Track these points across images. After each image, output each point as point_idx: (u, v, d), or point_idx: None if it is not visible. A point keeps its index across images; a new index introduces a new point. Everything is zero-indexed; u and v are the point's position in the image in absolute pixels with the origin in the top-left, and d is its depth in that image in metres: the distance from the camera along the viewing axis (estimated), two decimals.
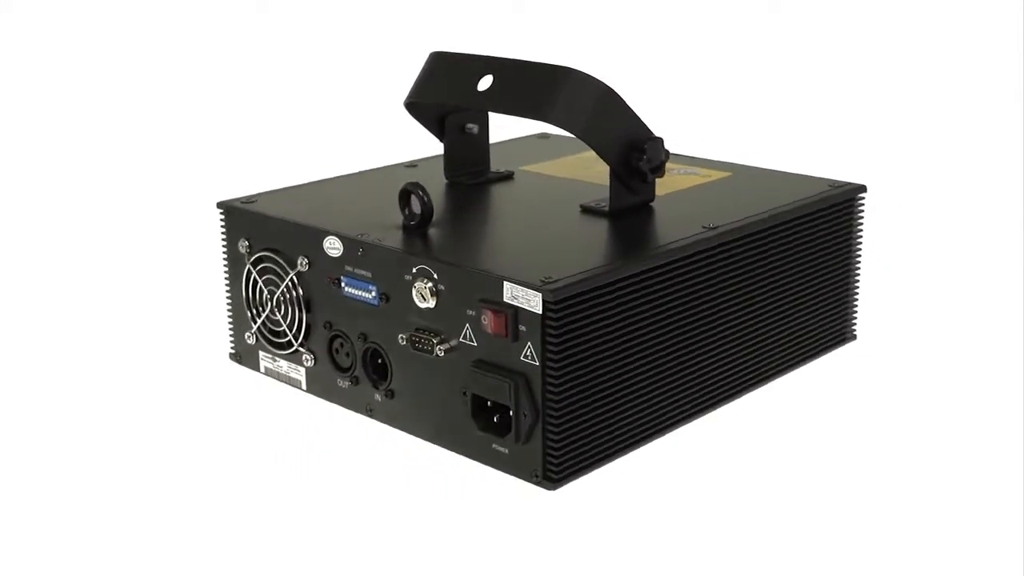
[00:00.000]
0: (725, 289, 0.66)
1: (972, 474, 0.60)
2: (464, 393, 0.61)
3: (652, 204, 0.69)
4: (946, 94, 1.13)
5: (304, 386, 0.70)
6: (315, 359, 0.68)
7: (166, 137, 1.17)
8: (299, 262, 0.67)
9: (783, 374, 0.71)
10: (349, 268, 0.65)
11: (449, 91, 0.70)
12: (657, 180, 0.69)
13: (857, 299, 0.75)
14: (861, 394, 0.69)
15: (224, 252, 0.72)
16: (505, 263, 0.59)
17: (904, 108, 1.14)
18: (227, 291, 0.73)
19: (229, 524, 0.57)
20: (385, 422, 0.66)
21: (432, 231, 0.65)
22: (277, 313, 0.69)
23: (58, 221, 1.02)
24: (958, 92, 1.13)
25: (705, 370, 0.65)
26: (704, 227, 0.65)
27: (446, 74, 0.70)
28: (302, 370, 0.69)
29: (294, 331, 0.69)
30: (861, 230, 0.74)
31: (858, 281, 0.75)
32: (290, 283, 0.68)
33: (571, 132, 0.65)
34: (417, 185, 0.65)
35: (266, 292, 0.70)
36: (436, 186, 0.74)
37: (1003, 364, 0.72)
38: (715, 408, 0.67)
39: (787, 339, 0.71)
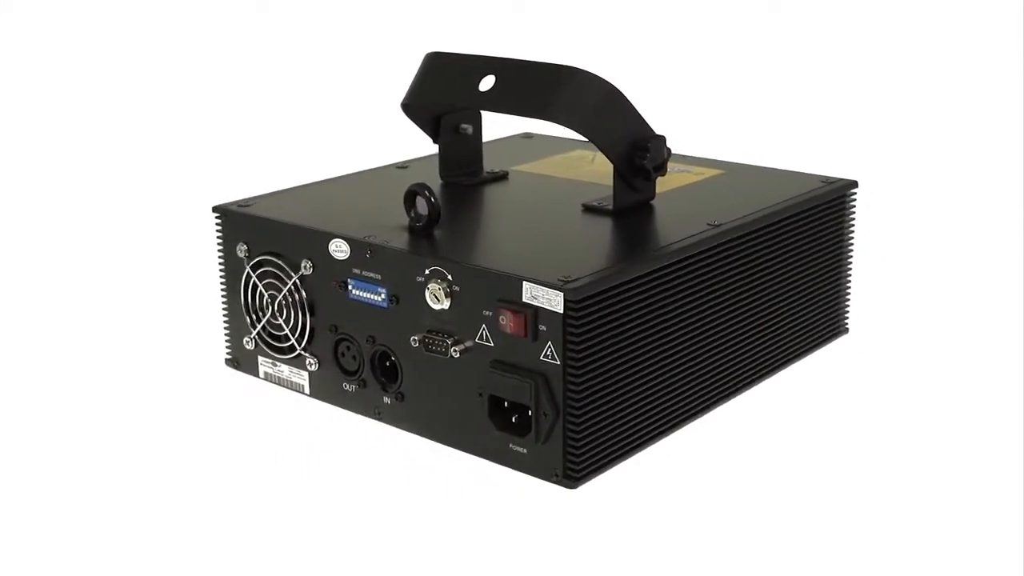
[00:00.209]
0: (729, 285, 0.66)
1: (968, 464, 0.61)
2: (480, 394, 0.60)
3: (652, 203, 0.70)
4: (934, 90, 1.15)
5: (307, 390, 0.69)
6: (319, 363, 0.68)
7: (154, 139, 1.17)
8: (303, 265, 0.67)
9: (783, 368, 0.72)
10: (357, 270, 0.64)
11: (449, 92, 0.70)
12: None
13: (849, 293, 0.77)
14: (859, 386, 0.70)
15: (220, 256, 0.71)
16: (521, 263, 0.59)
17: (891, 104, 1.15)
18: (223, 296, 0.72)
19: (243, 532, 0.57)
20: (395, 425, 0.65)
21: (437, 232, 0.65)
22: (279, 317, 0.69)
23: (48, 223, 1.01)
24: (946, 88, 1.15)
25: (713, 366, 0.66)
26: (709, 224, 0.66)
27: (445, 75, 0.70)
28: (305, 374, 0.69)
29: (297, 335, 0.68)
30: (853, 225, 0.75)
31: (850, 275, 0.76)
32: (293, 287, 0.67)
33: (578, 131, 0.65)
34: (424, 186, 0.65)
35: (267, 296, 0.69)
36: (432, 187, 0.74)
37: (992, 354, 0.74)
38: (722, 403, 0.67)
39: (786, 333, 0.72)
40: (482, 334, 0.60)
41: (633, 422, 0.61)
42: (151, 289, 0.86)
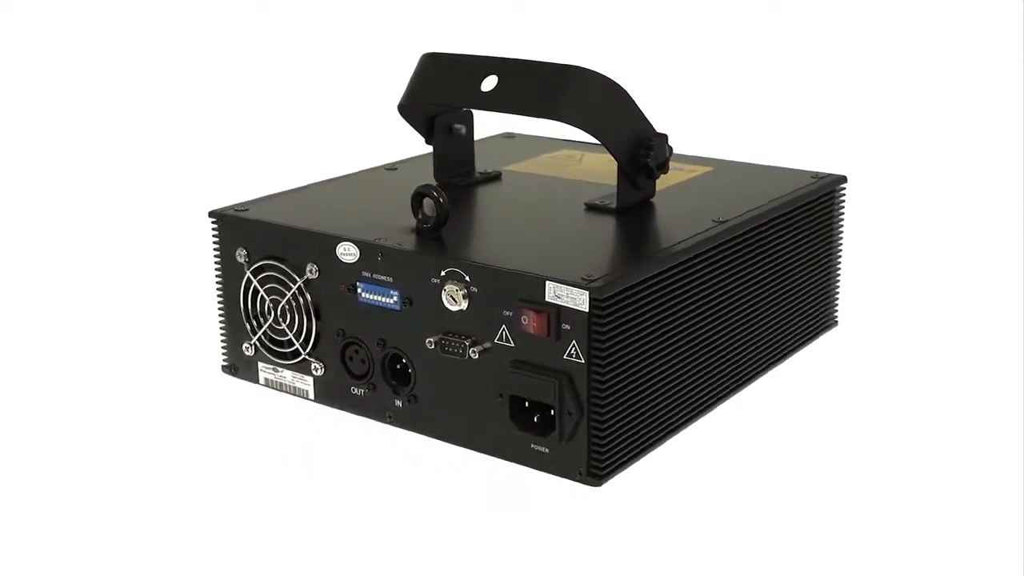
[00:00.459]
0: (735, 281, 0.67)
1: (962, 452, 0.63)
2: (500, 395, 0.60)
3: (651, 201, 0.70)
4: (917, 85, 1.17)
5: (311, 395, 0.68)
6: (325, 368, 0.67)
7: (142, 141, 1.17)
8: (308, 269, 0.66)
9: (783, 360, 0.73)
10: (367, 273, 0.64)
11: (450, 92, 0.70)
12: None
13: (839, 286, 0.78)
14: (855, 378, 0.71)
15: (216, 262, 0.70)
16: (541, 263, 0.59)
17: (872, 100, 1.16)
18: (219, 302, 0.71)
19: (260, 541, 0.56)
20: (407, 428, 0.65)
21: (445, 233, 0.65)
22: (282, 322, 0.68)
23: (39, 226, 1.00)
24: (930, 82, 1.16)
25: (722, 360, 0.67)
26: (714, 220, 0.66)
27: (445, 75, 0.70)
28: (309, 379, 0.68)
29: (301, 340, 0.67)
30: (842, 219, 0.77)
31: (840, 268, 0.78)
32: (297, 291, 0.67)
33: (585, 130, 0.65)
34: (431, 187, 0.65)
35: (268, 301, 0.68)
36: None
37: (978, 342, 0.75)
38: (730, 397, 0.68)
39: (785, 327, 0.73)
40: (502, 334, 0.60)
41: (652, 418, 0.62)
42: (140, 296, 0.85)
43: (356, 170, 0.79)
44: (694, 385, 0.65)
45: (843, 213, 0.76)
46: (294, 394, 0.69)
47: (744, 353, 0.69)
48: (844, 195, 0.76)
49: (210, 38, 1.24)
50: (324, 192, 0.74)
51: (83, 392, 0.70)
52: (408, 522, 0.57)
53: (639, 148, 0.67)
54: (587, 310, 0.57)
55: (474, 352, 0.61)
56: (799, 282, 0.73)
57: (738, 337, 0.68)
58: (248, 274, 0.69)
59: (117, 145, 1.16)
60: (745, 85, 1.19)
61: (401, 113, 0.73)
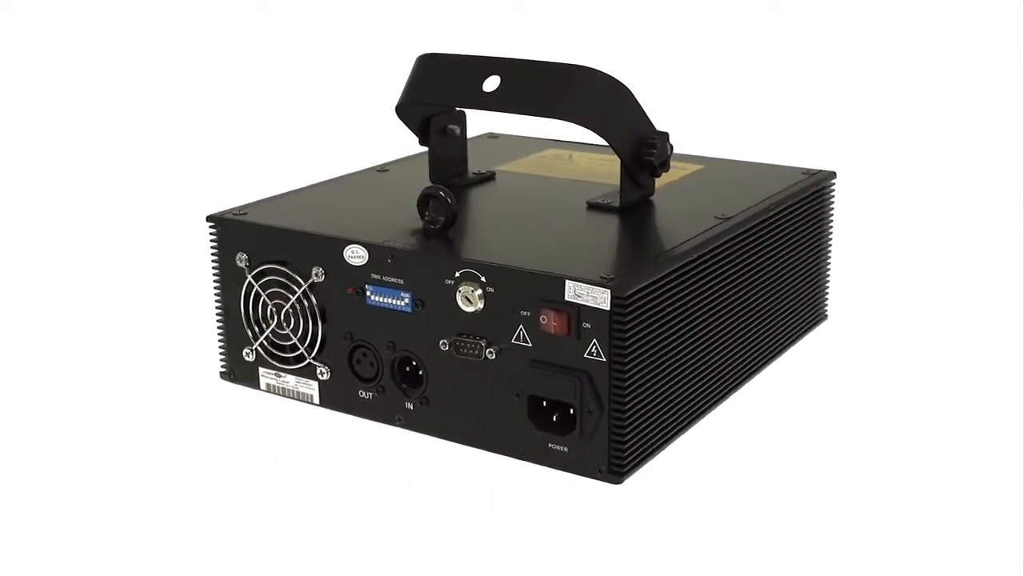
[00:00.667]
0: (738, 277, 0.68)
1: (956, 442, 0.64)
2: (518, 395, 0.60)
3: (650, 199, 0.71)
4: (908, 82, 1.18)
5: (316, 400, 0.68)
6: (331, 372, 0.67)
7: (134, 143, 1.17)
8: (314, 273, 0.65)
9: (781, 354, 0.74)
10: (376, 276, 0.64)
11: (451, 93, 0.70)
12: None
13: (829, 280, 0.79)
14: (851, 371, 0.72)
15: (215, 267, 0.69)
16: (557, 262, 0.60)
17: (858, 95, 1.18)
18: (217, 307, 0.70)
19: (279, 551, 0.56)
20: (418, 431, 0.65)
21: (452, 234, 0.65)
22: (286, 327, 0.67)
23: (31, 229, 0.99)
24: (921, 80, 1.18)
25: (728, 355, 0.68)
26: (718, 218, 0.67)
27: (445, 76, 0.70)
28: (315, 384, 0.67)
29: (306, 344, 0.67)
30: (832, 214, 0.78)
31: (830, 262, 0.79)
32: (302, 295, 0.66)
33: (592, 129, 0.65)
34: (439, 188, 0.64)
35: (271, 306, 0.68)
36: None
37: (966, 333, 0.77)
38: (735, 391, 0.69)
39: (783, 321, 0.73)
40: (519, 335, 0.60)
41: (667, 415, 0.62)
42: (131, 303, 0.83)
43: (339, 171, 0.79)
44: (705, 380, 0.65)
45: (833, 208, 0.78)
46: (298, 399, 0.68)
47: (748, 347, 0.70)
48: (834, 190, 0.77)
49: (209, 38, 1.24)
50: (321, 195, 0.73)
51: (79, 402, 0.69)
52: (429, 523, 0.57)
53: (642, 147, 0.68)
54: (608, 308, 0.57)
55: (491, 352, 0.61)
56: (795, 277, 0.74)
57: (743, 332, 0.69)
58: (250, 278, 0.68)
59: (107, 145, 1.16)
60: (727, 83, 1.20)
61: (398, 114, 0.72)
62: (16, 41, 1.21)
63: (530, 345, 0.60)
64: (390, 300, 0.63)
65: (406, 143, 0.84)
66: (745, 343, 0.69)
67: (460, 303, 0.61)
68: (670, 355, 0.61)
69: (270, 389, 0.69)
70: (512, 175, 0.77)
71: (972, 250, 0.92)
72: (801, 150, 0.95)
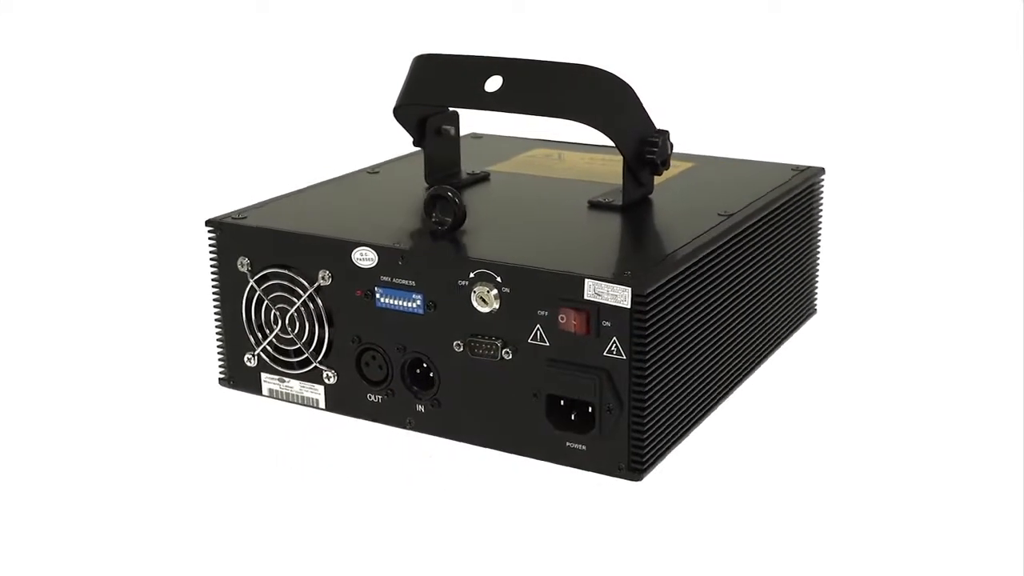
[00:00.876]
0: (742, 273, 0.68)
1: (950, 433, 0.65)
2: (535, 395, 0.60)
3: (648, 198, 0.71)
4: (892, 78, 1.19)
5: (322, 404, 0.67)
6: (338, 375, 0.66)
7: (127, 144, 1.16)
8: (320, 276, 0.65)
9: (778, 348, 0.75)
10: (386, 278, 0.63)
11: (451, 93, 0.69)
12: None
13: (818, 274, 0.80)
14: (846, 364, 0.73)
15: (213, 272, 0.69)
16: (574, 262, 0.60)
17: (838, 91, 1.18)
18: (216, 313, 0.69)
19: (294, 558, 0.55)
20: (429, 433, 0.64)
21: (460, 235, 0.64)
22: (290, 331, 0.67)
23: (25, 233, 0.98)
24: (906, 76, 1.19)
25: (735, 350, 0.68)
26: (720, 215, 0.67)
27: (447, 76, 0.69)
28: (320, 388, 0.67)
29: (312, 349, 0.66)
30: (821, 209, 0.79)
31: (819, 257, 0.80)
32: (308, 299, 0.65)
33: (598, 128, 0.65)
34: (447, 189, 0.64)
35: (275, 311, 0.67)
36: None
37: (951, 323, 0.79)
38: (740, 385, 0.70)
39: (779, 315, 0.74)
40: (536, 334, 0.60)
41: (682, 411, 0.63)
42: (124, 310, 0.82)
43: (324, 173, 0.78)
44: (715, 375, 0.66)
45: (822, 203, 0.79)
46: (302, 404, 0.68)
47: (751, 341, 0.70)
48: (823, 186, 0.78)
49: (208, 38, 1.24)
50: (319, 197, 0.73)
51: (74, 411, 0.68)
52: (451, 523, 0.57)
53: (644, 145, 0.68)
54: (629, 306, 0.57)
55: (507, 353, 0.61)
56: (790, 271, 0.75)
57: (747, 326, 0.69)
58: (252, 283, 0.67)
59: (106, 145, 1.16)
60: (709, 81, 1.21)
61: (396, 115, 0.72)
62: (16, 41, 1.20)
63: (547, 344, 0.60)
64: (401, 302, 0.63)
65: (391, 144, 0.84)
66: (749, 337, 0.70)
67: (475, 304, 0.61)
68: (685, 351, 0.62)
69: (273, 394, 0.69)
70: (506, 175, 0.77)
71: (955, 239, 0.94)
72: (781, 147, 0.96)
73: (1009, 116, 1.11)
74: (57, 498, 0.59)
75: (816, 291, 0.80)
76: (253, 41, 1.24)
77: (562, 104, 0.66)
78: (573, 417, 0.60)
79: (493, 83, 0.68)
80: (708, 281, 0.64)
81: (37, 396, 0.70)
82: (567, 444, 0.60)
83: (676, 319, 0.61)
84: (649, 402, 0.59)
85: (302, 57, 1.23)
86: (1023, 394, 0.68)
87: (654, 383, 0.59)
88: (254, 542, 0.56)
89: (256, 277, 0.67)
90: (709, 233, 0.64)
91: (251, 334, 0.68)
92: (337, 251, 0.64)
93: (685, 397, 0.63)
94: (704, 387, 0.65)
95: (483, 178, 0.76)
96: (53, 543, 0.56)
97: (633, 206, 0.69)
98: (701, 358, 0.64)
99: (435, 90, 0.70)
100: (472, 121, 0.84)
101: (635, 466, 0.59)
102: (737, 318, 0.68)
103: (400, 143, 0.84)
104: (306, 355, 0.67)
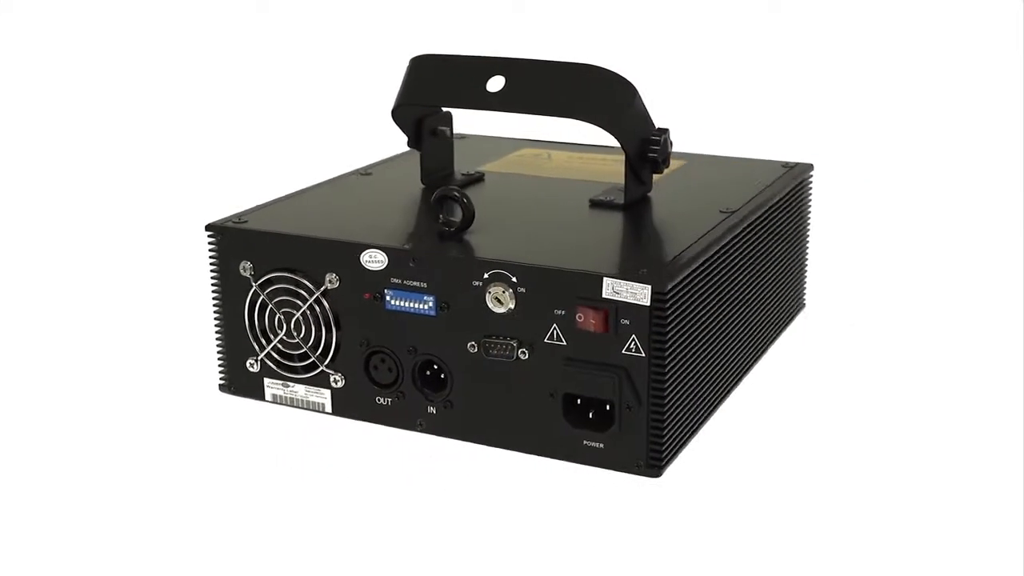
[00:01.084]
0: (744, 269, 0.69)
1: (945, 426, 0.67)
2: (552, 394, 0.60)
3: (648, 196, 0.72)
4: (881, 75, 1.20)
5: (328, 408, 0.67)
6: (345, 379, 0.65)
7: (123, 145, 1.16)
8: (327, 279, 0.64)
9: (774, 343, 0.76)
10: (396, 280, 0.63)
11: (452, 94, 0.69)
12: None
13: (807, 269, 0.81)
14: (841, 359, 0.75)
15: (213, 276, 0.68)
16: (590, 260, 0.60)
17: (825, 89, 1.19)
18: (216, 318, 0.68)
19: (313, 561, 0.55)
20: (440, 435, 0.64)
21: (468, 236, 0.64)
22: (296, 335, 0.66)
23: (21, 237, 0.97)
24: (895, 73, 1.20)
25: (740, 345, 0.69)
26: (722, 212, 0.68)
27: (446, 77, 0.69)
28: (327, 392, 0.66)
29: (319, 353, 0.66)
30: (810, 205, 0.80)
31: (808, 252, 0.81)
32: (314, 302, 0.65)
33: (603, 128, 0.66)
34: (454, 190, 0.64)
35: (279, 315, 0.66)
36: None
37: (937, 317, 0.80)
38: (744, 379, 0.70)
39: (775, 310, 0.75)
40: (553, 333, 0.60)
41: (696, 407, 0.63)
42: (120, 316, 0.81)
43: (314, 174, 0.77)
44: (724, 370, 0.67)
45: (811, 199, 0.80)
46: (308, 408, 0.67)
47: (753, 335, 0.71)
48: (812, 182, 0.79)
49: (208, 38, 1.23)
50: (318, 199, 0.72)
51: (72, 418, 0.67)
52: (469, 523, 0.57)
53: (646, 144, 0.69)
54: (649, 304, 0.57)
55: (523, 353, 0.61)
56: (783, 266, 0.76)
57: (749, 321, 0.70)
58: (255, 287, 0.66)
59: (105, 144, 1.15)
60: (696, 79, 1.22)
61: (394, 116, 0.72)
62: (16, 41, 1.19)
63: (564, 344, 0.60)
64: (412, 304, 0.63)
65: (379, 145, 0.84)
66: (751, 331, 0.71)
67: (490, 304, 0.61)
68: (698, 347, 0.62)
69: (276, 400, 0.68)
70: (501, 175, 0.77)
71: (940, 233, 0.96)
72: (762, 144, 0.97)
73: (1000, 114, 1.13)
74: (53, 508, 0.58)
75: (805, 286, 0.81)
76: (253, 41, 1.23)
77: (568, 104, 0.66)
78: (591, 415, 0.60)
79: (495, 83, 0.68)
80: (718, 277, 0.64)
81: (34, 402, 0.69)
82: (584, 443, 0.61)
83: (692, 315, 0.61)
84: (668, 398, 0.59)
85: (302, 57, 1.22)
86: (1012, 384, 0.70)
87: (672, 379, 0.59)
88: (266, 553, 0.55)
89: (260, 281, 0.66)
90: (716, 230, 0.65)
91: (254, 339, 0.67)
92: (345, 254, 0.64)
93: (699, 392, 0.63)
94: (715, 381, 0.65)
95: (478, 179, 0.76)
96: (51, 552, 0.55)
97: (634, 204, 0.70)
98: (713, 353, 0.64)
99: (436, 90, 0.70)
100: (456, 122, 0.84)
101: (653, 462, 0.60)
102: (742, 313, 0.69)
103: (387, 144, 0.83)
104: (312, 359, 0.66)
